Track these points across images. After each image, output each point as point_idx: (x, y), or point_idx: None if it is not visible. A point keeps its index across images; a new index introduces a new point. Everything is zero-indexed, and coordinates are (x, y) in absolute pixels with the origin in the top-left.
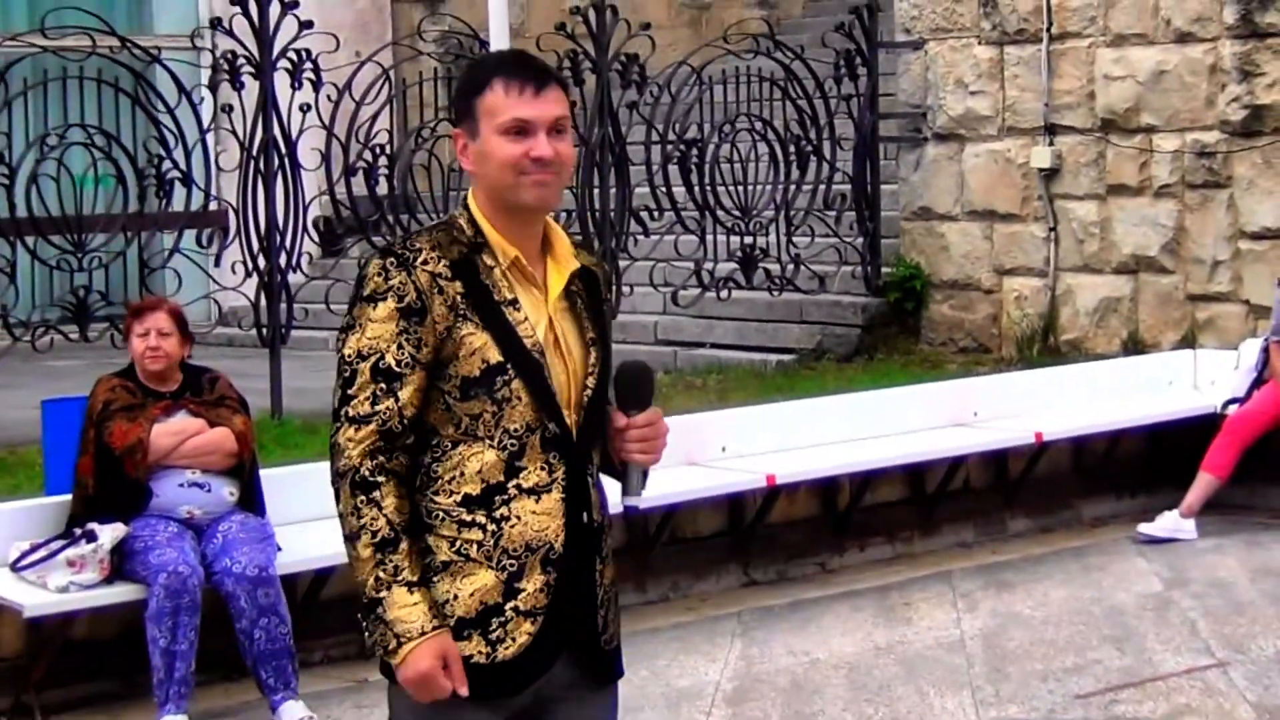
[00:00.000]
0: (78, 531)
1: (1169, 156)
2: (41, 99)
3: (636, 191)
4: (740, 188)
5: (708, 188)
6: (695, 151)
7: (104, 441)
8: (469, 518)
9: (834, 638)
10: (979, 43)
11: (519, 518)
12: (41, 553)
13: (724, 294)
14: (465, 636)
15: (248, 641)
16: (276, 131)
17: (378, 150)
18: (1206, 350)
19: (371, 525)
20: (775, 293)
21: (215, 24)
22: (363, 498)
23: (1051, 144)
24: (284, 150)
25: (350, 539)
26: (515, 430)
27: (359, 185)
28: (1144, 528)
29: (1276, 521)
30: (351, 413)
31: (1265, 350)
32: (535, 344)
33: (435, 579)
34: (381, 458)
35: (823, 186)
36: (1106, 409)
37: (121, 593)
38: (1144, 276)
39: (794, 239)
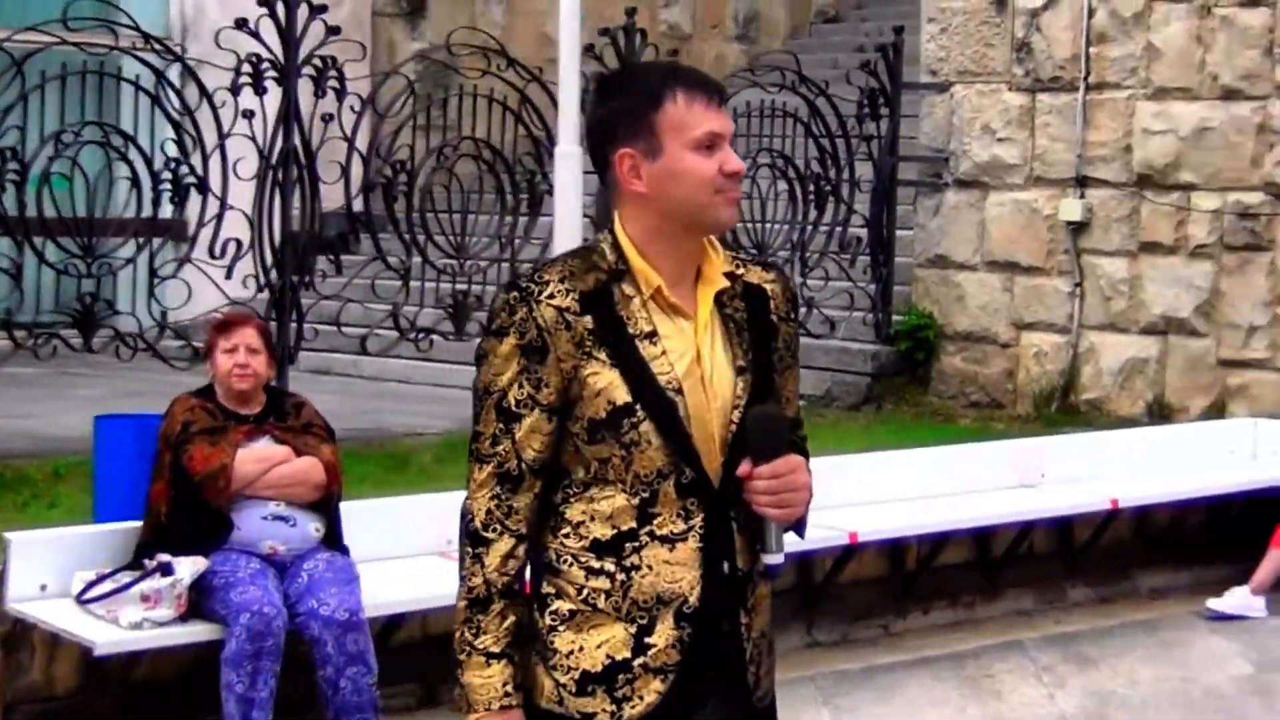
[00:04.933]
0: (150, 563)
1: (1208, 216)
2: (59, 94)
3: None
4: (757, 225)
5: None
6: None
7: (182, 466)
8: (597, 565)
9: (924, 710)
10: (1009, 88)
11: (650, 567)
12: (109, 584)
13: None
14: (589, 693)
15: (331, 691)
16: (297, 141)
17: (398, 166)
18: (1271, 420)
19: (470, 579)
20: None
21: (241, 25)
22: (469, 549)
23: (1082, 196)
24: (304, 161)
25: (460, 580)
26: (646, 476)
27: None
28: (1213, 603)
29: None
30: (477, 449)
31: None
32: (671, 380)
33: (561, 628)
34: (498, 508)
35: (839, 228)
36: (1175, 478)
37: (198, 632)
38: (1173, 339)
39: (808, 281)
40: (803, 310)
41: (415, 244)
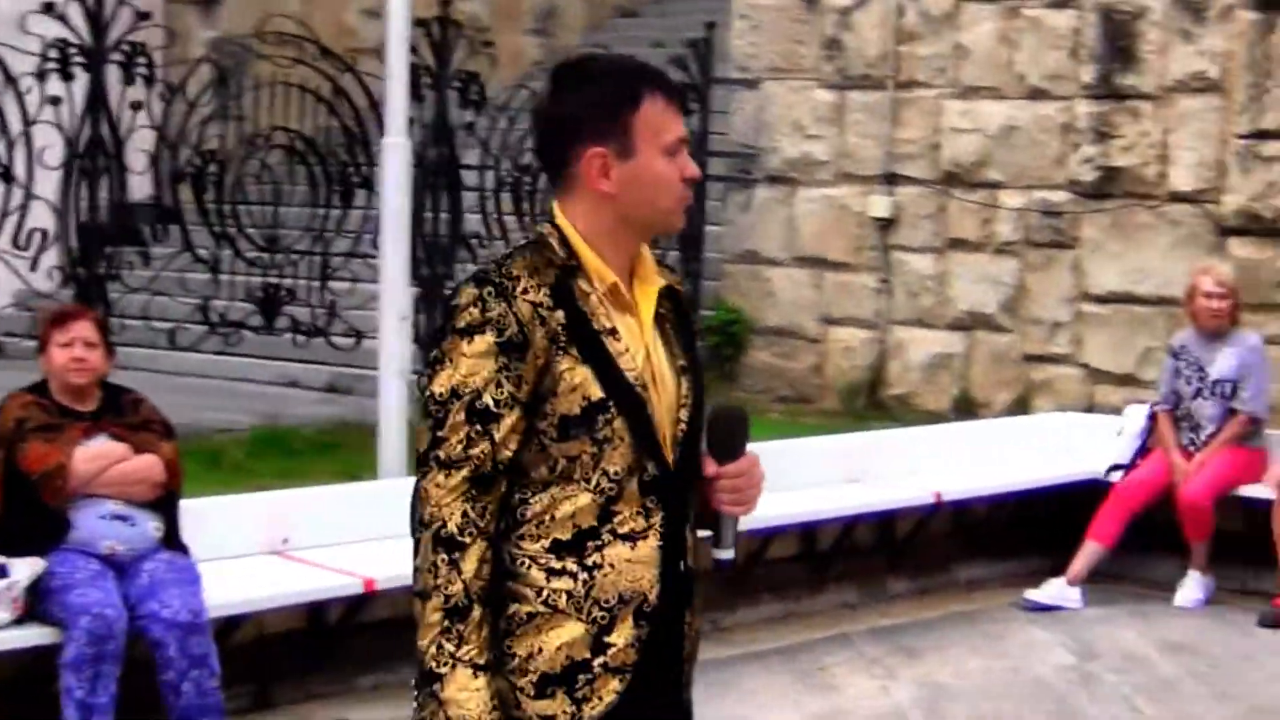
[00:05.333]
0: None
1: (1014, 214)
2: None
3: (467, 217)
4: None
5: (540, 217)
6: (529, 179)
7: (16, 465)
8: (558, 565)
9: (762, 704)
10: (819, 86)
11: (613, 565)
12: None
13: None
14: (549, 695)
15: (174, 695)
16: (106, 129)
17: (208, 156)
18: (1080, 414)
19: (446, 588)
20: None
21: (48, 8)
22: (444, 556)
23: (891, 194)
24: (112, 151)
25: (421, 595)
26: (614, 473)
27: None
28: (1030, 594)
29: (1152, 593)
30: (442, 456)
31: (1151, 418)
32: (637, 377)
33: (519, 632)
34: (472, 511)
35: None
36: (993, 471)
37: (35, 635)
38: (979, 334)
39: None
40: None
41: (225, 236)
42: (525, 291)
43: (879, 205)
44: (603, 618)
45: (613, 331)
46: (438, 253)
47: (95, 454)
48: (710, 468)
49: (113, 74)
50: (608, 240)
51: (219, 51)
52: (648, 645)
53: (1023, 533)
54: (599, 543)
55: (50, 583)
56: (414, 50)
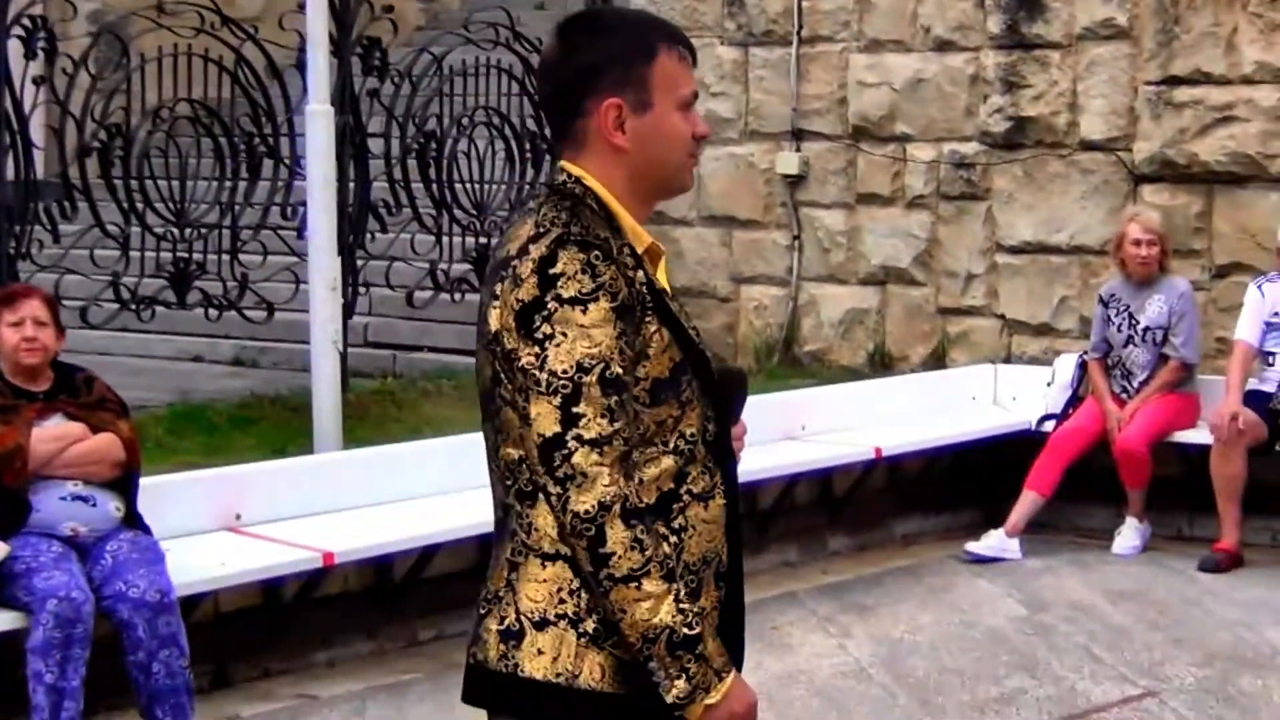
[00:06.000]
0: None
1: (924, 167)
2: None
3: (375, 186)
4: (477, 185)
5: (445, 184)
6: (434, 146)
7: None
8: None
9: None
10: (722, 43)
11: (694, 528)
12: None
13: (458, 296)
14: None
15: (143, 676)
16: (9, 105)
17: (113, 130)
18: (1008, 365)
19: (658, 556)
20: None
21: None
22: (640, 528)
23: (799, 150)
24: (16, 127)
25: (629, 579)
26: (690, 434)
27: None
28: (971, 546)
29: (1088, 541)
30: (588, 435)
31: (1081, 366)
32: (699, 337)
33: None
34: (635, 484)
35: None
36: (926, 425)
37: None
38: (892, 288)
39: None
40: None
41: (133, 211)
42: (619, 251)
43: (787, 162)
44: (691, 581)
45: (666, 291)
46: (347, 221)
47: (53, 434)
48: (737, 426)
49: (14, 49)
50: (635, 201)
51: (100, 23)
52: (726, 608)
53: (956, 485)
54: (681, 504)
55: (14, 567)
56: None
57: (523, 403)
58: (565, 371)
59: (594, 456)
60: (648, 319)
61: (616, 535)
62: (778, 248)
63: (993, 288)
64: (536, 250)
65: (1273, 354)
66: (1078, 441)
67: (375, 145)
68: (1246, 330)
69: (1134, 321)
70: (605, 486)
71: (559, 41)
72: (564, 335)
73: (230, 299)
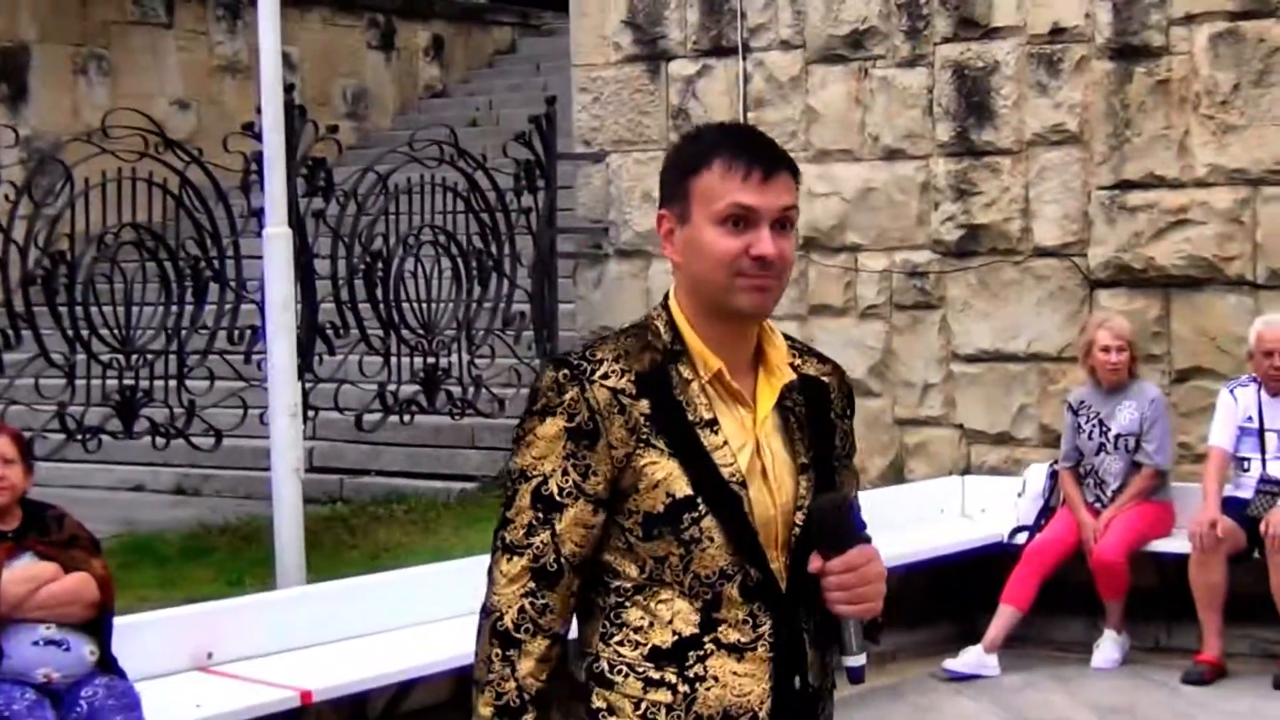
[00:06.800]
0: None
1: (876, 276)
2: None
3: (322, 308)
4: (424, 305)
5: (393, 304)
6: (380, 265)
7: None
8: (657, 675)
9: None
10: None
11: (716, 678)
12: None
13: (407, 418)
14: None
15: None
16: None
17: (57, 257)
18: (975, 476)
19: (499, 685)
20: (457, 416)
21: None
22: (498, 651)
23: None
24: None
25: (475, 685)
26: (707, 576)
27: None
28: (949, 664)
29: (1065, 654)
30: (507, 539)
31: (1053, 476)
32: (735, 473)
33: None
34: (531, 607)
35: (502, 304)
36: (896, 539)
37: None
38: None
39: (475, 359)
40: (470, 389)
41: (79, 339)
42: (606, 377)
43: None
44: None
45: (711, 423)
46: (296, 345)
47: (24, 576)
48: (815, 563)
49: None
50: (704, 320)
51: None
52: None
53: (930, 600)
54: (701, 652)
55: None
56: (258, 137)
57: None
58: (513, 474)
59: (503, 563)
60: (640, 450)
61: (482, 644)
62: None
63: (950, 397)
64: None
65: (1247, 459)
66: (1053, 553)
67: (321, 266)
68: (1221, 436)
69: (1105, 429)
70: (494, 596)
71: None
72: (525, 443)
73: (178, 426)
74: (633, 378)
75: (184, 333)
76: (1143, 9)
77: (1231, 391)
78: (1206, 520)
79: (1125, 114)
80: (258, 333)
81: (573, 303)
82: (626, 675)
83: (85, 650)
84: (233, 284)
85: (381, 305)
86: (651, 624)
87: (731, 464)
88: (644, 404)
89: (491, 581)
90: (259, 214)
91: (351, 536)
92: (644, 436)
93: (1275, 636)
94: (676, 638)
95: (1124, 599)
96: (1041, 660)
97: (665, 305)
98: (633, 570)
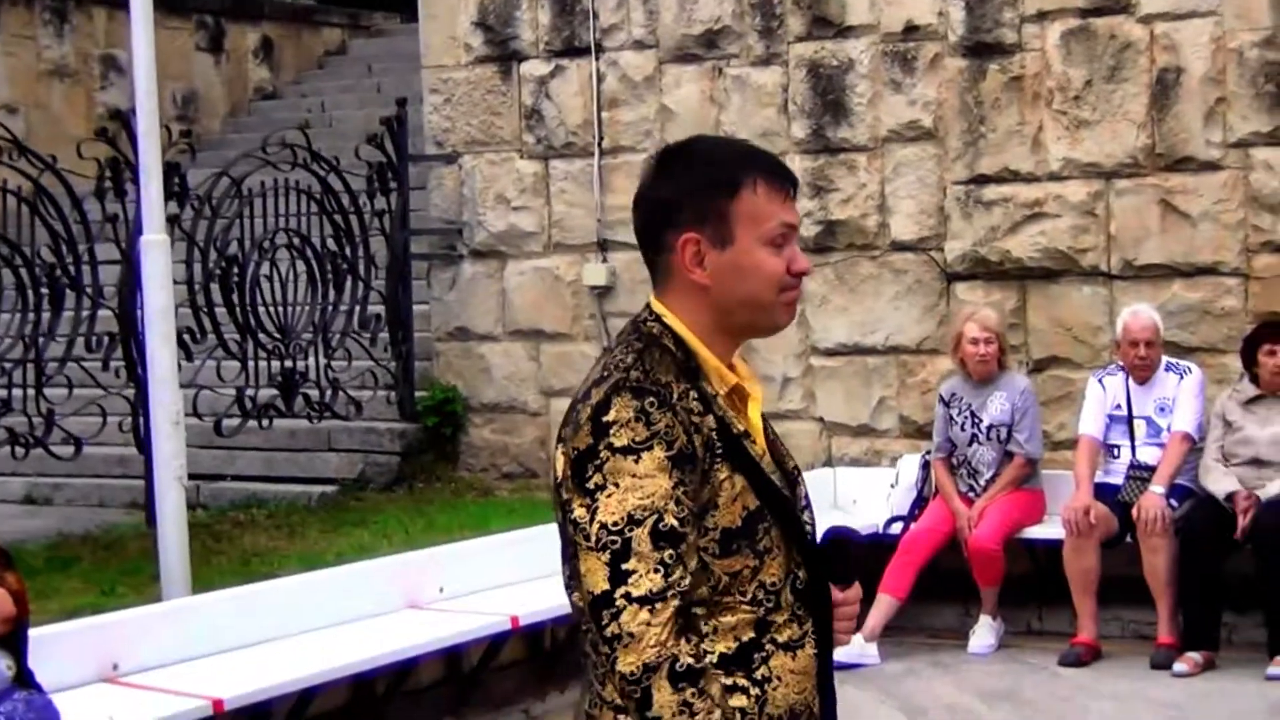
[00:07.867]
0: None
1: None
2: None
3: (179, 312)
4: (280, 308)
5: (249, 309)
6: (236, 270)
7: None
8: (728, 681)
9: None
10: (521, 156)
11: (779, 678)
12: None
13: (265, 423)
14: None
15: None
16: None
17: None
18: (846, 468)
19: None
20: (315, 419)
21: None
22: (692, 690)
23: (605, 260)
24: None
25: None
26: (772, 585)
27: None
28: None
29: (941, 641)
30: (637, 593)
31: (925, 467)
32: (781, 483)
33: None
34: (688, 641)
35: (358, 307)
36: None
37: None
38: None
39: (332, 363)
40: (328, 392)
41: None
42: (681, 398)
43: (595, 273)
44: None
45: (747, 435)
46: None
47: None
48: (836, 595)
49: None
50: (717, 337)
51: None
52: None
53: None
54: (764, 654)
55: None
56: (112, 143)
57: (575, 557)
58: (615, 525)
59: (642, 615)
60: (717, 466)
61: (663, 698)
62: (587, 360)
63: (810, 391)
64: (596, 395)
65: (1117, 446)
66: (929, 543)
67: (177, 271)
68: (1090, 424)
69: (977, 420)
70: (651, 647)
71: (649, 171)
72: (615, 486)
73: (37, 435)
74: (696, 395)
75: (41, 340)
76: (995, 7)
77: (1100, 380)
78: (1080, 506)
79: (979, 110)
80: (115, 339)
81: (428, 304)
82: None
83: (2, 665)
84: (89, 291)
85: (238, 310)
86: (716, 632)
87: (775, 472)
88: (710, 419)
89: (635, 641)
90: (113, 220)
91: (216, 543)
92: (717, 451)
93: (1147, 618)
94: (738, 643)
95: (998, 585)
96: (919, 647)
97: (660, 321)
98: (703, 590)
